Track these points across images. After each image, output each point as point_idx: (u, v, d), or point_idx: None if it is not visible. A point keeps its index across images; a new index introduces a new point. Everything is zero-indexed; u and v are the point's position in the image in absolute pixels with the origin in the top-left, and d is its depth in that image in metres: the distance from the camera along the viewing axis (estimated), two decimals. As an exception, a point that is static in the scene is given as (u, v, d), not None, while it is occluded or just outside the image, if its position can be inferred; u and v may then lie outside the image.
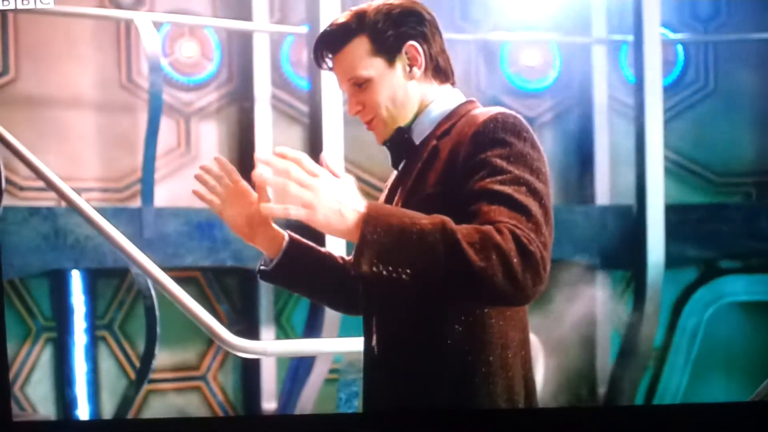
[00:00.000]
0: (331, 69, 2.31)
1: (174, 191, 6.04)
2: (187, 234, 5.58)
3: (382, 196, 2.41)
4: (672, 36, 6.78)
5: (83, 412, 5.85)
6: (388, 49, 2.24)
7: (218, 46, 6.22)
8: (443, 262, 1.92)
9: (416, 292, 2.00)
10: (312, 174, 1.93)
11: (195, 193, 2.37)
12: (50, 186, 4.30)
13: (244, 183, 2.36)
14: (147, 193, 5.46)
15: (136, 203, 5.86)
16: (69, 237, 5.24)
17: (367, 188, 5.78)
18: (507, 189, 2.04)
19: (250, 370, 6.16)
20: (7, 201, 4.54)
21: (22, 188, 5.68)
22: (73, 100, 5.86)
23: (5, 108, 5.53)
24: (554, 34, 6.71)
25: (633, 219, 6.26)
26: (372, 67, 2.24)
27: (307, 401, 5.77)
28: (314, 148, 5.65)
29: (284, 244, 2.40)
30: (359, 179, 2.49)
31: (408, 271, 1.92)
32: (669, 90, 6.69)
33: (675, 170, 6.77)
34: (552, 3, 6.45)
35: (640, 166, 6.22)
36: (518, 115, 2.17)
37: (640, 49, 6.21)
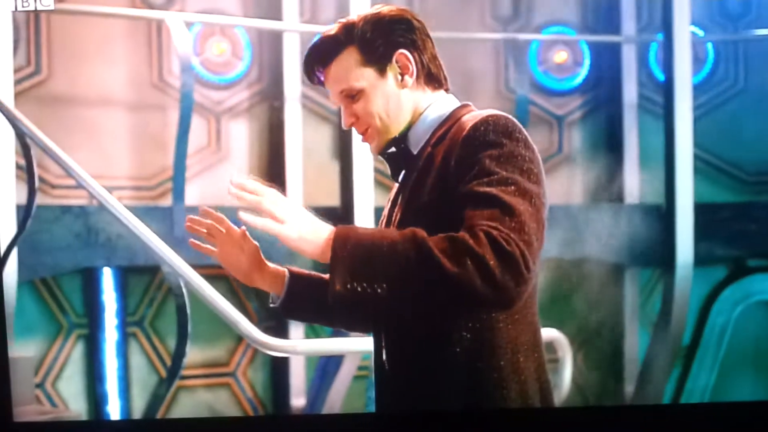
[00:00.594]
0: (321, 83, 2.29)
1: (204, 189, 6.06)
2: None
3: (385, 210, 2.39)
4: (701, 34, 6.76)
5: (114, 408, 5.89)
6: (378, 58, 2.22)
7: (249, 46, 6.24)
8: (416, 272, 1.94)
9: (390, 307, 2.01)
10: (273, 201, 2.02)
11: (191, 244, 2.42)
12: (82, 184, 4.34)
13: (235, 228, 2.37)
14: (178, 192, 5.49)
15: (167, 201, 5.88)
16: (101, 235, 5.27)
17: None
18: (493, 190, 2.03)
19: (279, 366, 6.19)
20: (40, 199, 4.57)
21: (54, 186, 5.72)
22: (104, 99, 5.89)
23: (38, 106, 5.57)
24: (583, 32, 6.70)
25: (662, 218, 6.23)
26: (363, 77, 2.22)
27: (336, 398, 5.77)
28: (344, 147, 5.67)
29: (286, 280, 2.40)
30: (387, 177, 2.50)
31: (384, 285, 1.95)
32: (699, 88, 6.66)
33: (704, 168, 6.74)
34: (581, 1, 6.44)
35: (670, 164, 6.20)
36: (510, 116, 2.15)
37: (669, 47, 6.19)
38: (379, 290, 1.94)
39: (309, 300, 2.40)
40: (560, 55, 6.77)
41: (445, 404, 2.15)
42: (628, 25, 6.69)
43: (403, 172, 2.31)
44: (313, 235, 1.99)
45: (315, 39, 2.29)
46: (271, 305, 2.45)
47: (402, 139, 2.28)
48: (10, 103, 4.61)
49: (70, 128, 5.71)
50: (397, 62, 2.24)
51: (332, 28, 2.26)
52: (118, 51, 5.92)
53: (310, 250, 2.00)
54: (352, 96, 2.25)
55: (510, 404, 2.13)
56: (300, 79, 6.18)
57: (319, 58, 2.26)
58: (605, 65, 6.81)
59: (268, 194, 1.99)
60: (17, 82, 4.95)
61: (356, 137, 5.83)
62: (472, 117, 2.17)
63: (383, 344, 2.26)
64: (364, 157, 5.59)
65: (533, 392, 2.17)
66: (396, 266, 1.94)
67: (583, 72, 6.81)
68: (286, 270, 2.41)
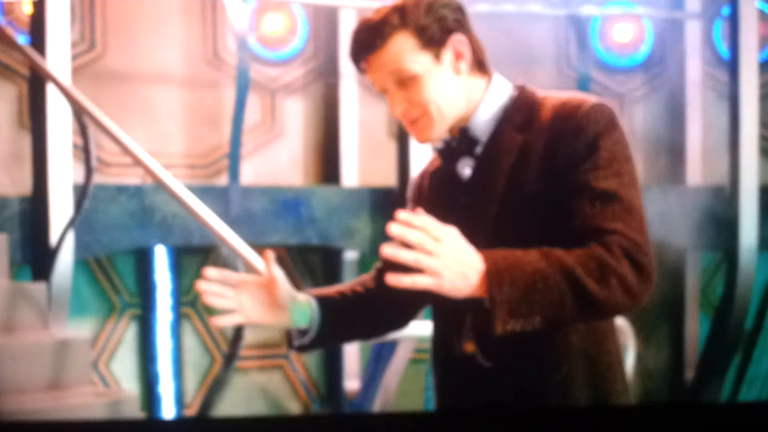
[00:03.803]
0: (363, 70, 2.18)
1: (258, 167, 6.02)
2: (273, 212, 5.55)
3: (439, 199, 2.27)
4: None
5: (166, 390, 5.87)
6: (434, 43, 2.13)
7: (305, 22, 6.17)
8: (569, 303, 1.96)
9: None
10: (436, 240, 1.90)
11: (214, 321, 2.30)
12: (138, 163, 4.27)
13: (243, 277, 2.28)
14: (234, 171, 5.43)
15: (221, 180, 5.84)
16: (156, 214, 5.23)
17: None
18: (612, 184, 2.03)
19: (333, 349, 6.14)
20: (95, 178, 4.52)
21: (109, 165, 5.69)
22: (159, 76, 5.85)
23: (92, 83, 5.53)
24: (647, 7, 6.57)
25: (726, 200, 6.12)
26: (418, 62, 2.11)
27: (391, 382, 5.72)
28: (401, 126, 5.58)
29: (314, 309, 2.28)
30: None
31: (538, 318, 1.95)
32: (765, 66, 6.53)
33: (770, 149, 6.63)
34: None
35: (734, 144, 6.07)
36: (607, 101, 2.12)
37: (735, 23, 6.05)
38: (535, 324, 1.96)
39: (338, 326, 2.32)
40: (623, 32, 6.65)
41: (567, 394, 2.13)
42: (693, 1, 6.57)
43: (468, 161, 2.20)
44: (464, 285, 1.92)
45: (359, 24, 2.17)
46: (297, 344, 2.32)
47: (467, 128, 2.19)
48: (66, 80, 4.56)
49: (124, 105, 5.68)
50: (452, 48, 2.15)
51: (379, 12, 2.15)
52: (172, 27, 5.88)
53: (462, 295, 1.95)
54: (405, 82, 2.13)
55: (618, 387, 2.16)
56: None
57: (369, 43, 2.13)
58: (669, 42, 6.69)
59: (422, 243, 1.89)
60: (72, 58, 4.89)
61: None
62: (567, 102, 2.11)
63: (473, 336, 2.17)
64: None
65: (625, 376, 2.22)
66: (550, 301, 1.94)
67: (646, 49, 6.71)
68: (309, 297, 2.30)
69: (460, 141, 2.19)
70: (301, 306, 2.27)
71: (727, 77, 6.21)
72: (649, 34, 6.70)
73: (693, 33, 6.60)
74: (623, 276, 1.95)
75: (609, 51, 6.67)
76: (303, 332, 2.30)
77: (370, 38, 2.13)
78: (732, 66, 6.09)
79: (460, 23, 2.15)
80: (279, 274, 2.23)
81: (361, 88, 6.10)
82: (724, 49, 6.57)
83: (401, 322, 2.47)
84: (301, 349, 2.33)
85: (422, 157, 5.53)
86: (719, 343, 6.24)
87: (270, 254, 2.23)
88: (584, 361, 2.12)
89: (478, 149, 2.18)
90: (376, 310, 2.38)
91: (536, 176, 2.08)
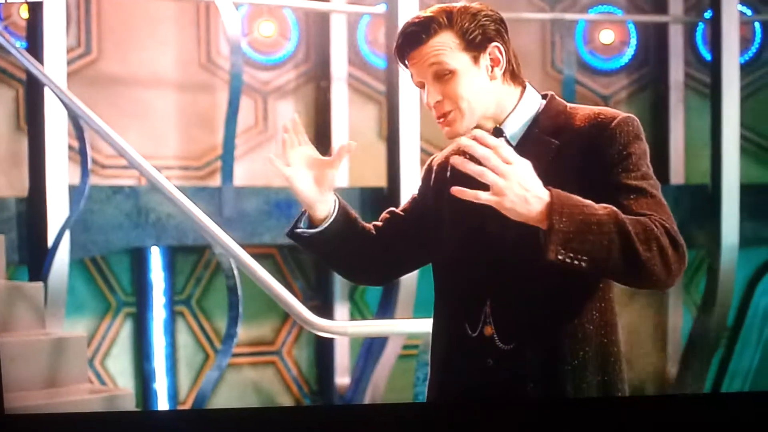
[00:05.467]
0: (405, 63, 2.33)
1: (251, 169, 6.08)
2: (266, 212, 5.62)
3: (441, 192, 2.38)
4: (749, 13, 6.70)
5: (161, 386, 5.94)
6: (475, 46, 2.28)
7: (296, 26, 6.24)
8: (615, 253, 2.07)
9: (590, 274, 2.12)
10: (506, 161, 2.04)
11: (269, 160, 2.35)
12: (133, 164, 4.35)
13: (311, 147, 2.37)
14: (227, 172, 5.51)
15: (215, 181, 5.91)
16: (151, 215, 5.30)
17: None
18: (643, 183, 2.20)
19: (324, 345, 6.22)
20: (91, 179, 4.60)
21: (104, 166, 5.76)
22: (153, 80, 5.92)
23: (88, 87, 5.60)
24: (630, 12, 6.66)
25: (708, 198, 6.19)
26: (458, 60, 2.27)
27: (381, 377, 5.81)
28: (391, 127, 5.67)
29: (336, 207, 2.38)
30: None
31: (585, 258, 2.06)
32: (746, 68, 6.61)
33: (751, 149, 6.70)
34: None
35: (716, 144, 6.14)
36: (635, 117, 2.29)
37: (717, 27, 6.13)
38: (582, 264, 2.06)
39: (344, 234, 2.40)
40: (607, 35, 6.74)
41: (579, 381, 2.25)
42: (676, 4, 6.66)
43: None
44: (524, 208, 2.05)
45: (409, 20, 2.32)
46: (302, 230, 2.40)
47: (496, 127, 2.33)
48: (62, 84, 4.64)
49: (119, 108, 5.74)
50: (489, 54, 2.30)
51: (428, 11, 2.31)
52: (166, 32, 5.94)
53: (520, 218, 2.07)
54: (443, 76, 2.29)
55: (624, 375, 2.31)
56: (347, 59, 6.19)
57: (416, 37, 2.29)
58: (652, 45, 6.78)
59: (492, 161, 2.03)
60: (68, 62, 4.98)
61: (404, 117, 5.81)
62: (594, 114, 2.28)
63: (486, 316, 2.29)
64: (410, 138, 5.59)
65: (624, 366, 2.34)
66: (600, 245, 2.06)
67: (630, 52, 6.79)
68: (336, 197, 2.40)
69: (494, 136, 2.28)
70: (330, 199, 2.37)
71: (709, 79, 6.30)
72: (633, 37, 6.78)
73: (676, 36, 6.68)
74: (664, 247, 2.09)
75: (593, 54, 6.76)
76: (310, 225, 2.39)
77: (417, 32, 2.29)
78: (714, 68, 6.17)
79: (500, 34, 2.31)
80: (337, 168, 2.34)
81: (351, 91, 6.19)
82: (706, 51, 6.66)
83: (379, 278, 2.63)
84: (298, 238, 2.40)
85: (411, 159, 5.63)
86: (702, 339, 6.32)
87: (351, 144, 2.32)
88: (597, 348, 2.25)
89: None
90: (369, 254, 2.48)
91: (572, 178, 2.21)
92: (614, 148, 2.21)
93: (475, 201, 2.04)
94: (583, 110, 2.31)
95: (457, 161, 2.05)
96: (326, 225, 2.38)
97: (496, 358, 2.28)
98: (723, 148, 6.11)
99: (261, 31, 6.16)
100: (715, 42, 6.16)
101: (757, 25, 6.79)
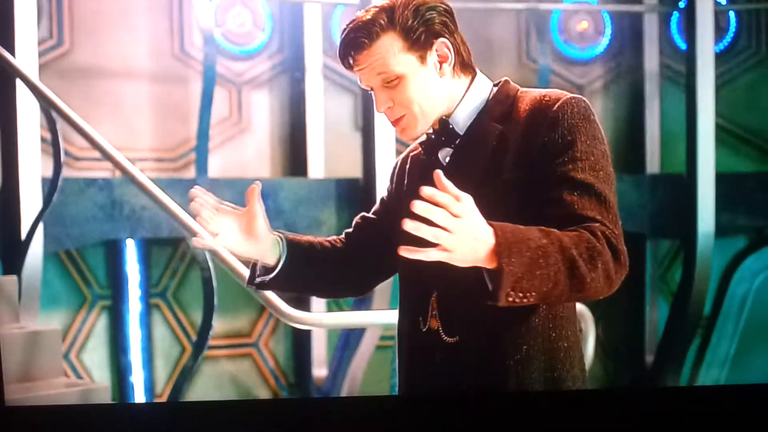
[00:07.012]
0: (351, 67, 2.25)
1: (225, 160, 6.08)
2: (241, 204, 5.58)
3: (401, 187, 2.38)
4: (723, 2, 6.72)
5: (137, 379, 5.93)
6: (419, 46, 2.21)
7: (270, 17, 6.23)
8: (563, 282, 2.01)
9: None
10: (456, 216, 1.92)
11: (196, 244, 2.33)
12: (106, 156, 4.32)
13: (225, 205, 2.33)
14: (201, 164, 5.50)
15: (189, 173, 5.90)
16: (125, 207, 5.28)
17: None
18: (589, 177, 2.10)
19: (301, 337, 6.21)
20: (64, 172, 4.57)
21: (78, 159, 5.73)
22: (126, 72, 5.89)
23: (60, 79, 5.57)
24: (605, 1, 6.67)
25: (683, 187, 6.21)
26: (404, 63, 2.20)
27: (358, 369, 5.81)
28: (366, 118, 5.66)
29: (282, 248, 2.33)
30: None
31: (534, 293, 2.00)
32: (721, 57, 6.63)
33: (726, 138, 6.72)
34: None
35: (691, 133, 6.16)
36: (583, 97, 2.19)
37: (692, 16, 6.14)
38: (531, 300, 2.00)
39: (302, 267, 2.36)
40: (582, 25, 6.75)
41: (523, 375, 2.19)
42: (651, -8, 6.68)
43: (449, 151, 2.29)
44: (474, 258, 1.97)
45: (349, 24, 2.25)
46: (259, 279, 2.37)
47: (442, 120, 2.27)
48: (34, 76, 4.61)
49: (92, 100, 5.71)
50: (437, 51, 2.23)
51: (368, 12, 2.23)
52: (139, 23, 5.92)
53: (473, 263, 1.98)
54: (390, 81, 2.22)
55: (575, 372, 2.22)
56: (321, 50, 6.17)
57: (358, 42, 2.22)
58: (627, 34, 6.79)
59: (441, 219, 1.92)
60: (40, 54, 4.94)
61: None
62: (544, 96, 2.20)
63: (432, 309, 2.26)
64: (385, 129, 5.58)
65: (583, 361, 2.27)
66: (548, 278, 2.00)
67: (605, 41, 6.80)
68: (279, 235, 2.35)
69: (440, 133, 2.27)
70: (273, 242, 2.32)
71: (684, 68, 6.32)
72: (608, 26, 6.80)
73: (651, 25, 6.70)
74: (607, 261, 2.02)
75: (568, 43, 6.77)
76: (267, 271, 2.35)
77: (358, 37, 2.21)
78: (689, 57, 6.18)
79: (447, 26, 2.23)
80: (260, 208, 2.29)
81: (326, 82, 6.18)
82: (681, 40, 6.67)
83: (361, 288, 2.56)
84: (261, 286, 2.38)
85: (387, 150, 5.62)
86: (678, 329, 6.33)
87: (257, 186, 2.29)
88: (543, 343, 2.18)
89: (458, 140, 2.26)
90: (340, 268, 2.44)
91: (513, 164, 2.16)
92: (557, 132, 2.12)
93: (426, 260, 1.94)
94: (530, 93, 2.24)
95: (411, 227, 1.90)
96: (281, 266, 2.34)
97: (442, 352, 2.24)
98: (698, 137, 6.12)
99: (235, 21, 6.14)
100: (690, 31, 6.18)
101: (731, 14, 6.80)
